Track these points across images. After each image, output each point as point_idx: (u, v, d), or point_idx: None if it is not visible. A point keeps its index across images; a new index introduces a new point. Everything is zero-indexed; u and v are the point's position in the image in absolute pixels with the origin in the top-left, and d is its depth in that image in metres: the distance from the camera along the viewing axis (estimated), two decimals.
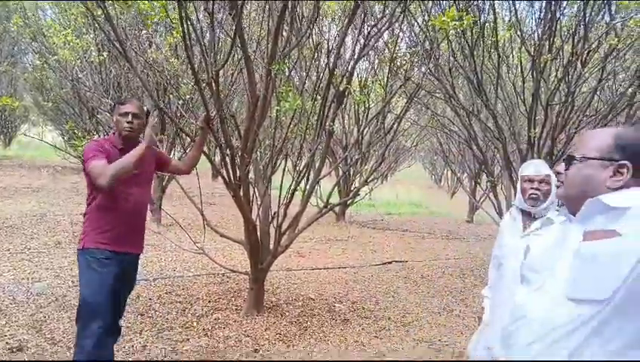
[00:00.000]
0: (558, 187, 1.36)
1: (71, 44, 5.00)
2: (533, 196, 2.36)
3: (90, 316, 2.36)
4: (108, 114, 8.53)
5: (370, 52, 5.92)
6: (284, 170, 4.22)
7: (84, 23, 5.57)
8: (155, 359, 3.18)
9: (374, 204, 10.70)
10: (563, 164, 1.33)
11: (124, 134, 2.51)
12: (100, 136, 8.27)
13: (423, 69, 5.06)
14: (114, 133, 2.59)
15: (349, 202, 9.71)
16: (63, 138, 16.39)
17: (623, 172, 1.23)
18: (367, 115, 5.14)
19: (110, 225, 2.44)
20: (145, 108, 2.61)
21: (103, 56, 5.23)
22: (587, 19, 4.58)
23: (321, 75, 4.47)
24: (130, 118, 2.50)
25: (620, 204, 1.18)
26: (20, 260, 5.26)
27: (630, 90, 4.83)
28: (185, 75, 5.38)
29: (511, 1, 5.00)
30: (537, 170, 2.41)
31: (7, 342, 3.20)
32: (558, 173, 1.35)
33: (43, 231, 6.73)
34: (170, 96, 5.94)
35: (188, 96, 5.16)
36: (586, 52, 4.69)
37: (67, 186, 11.87)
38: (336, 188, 5.29)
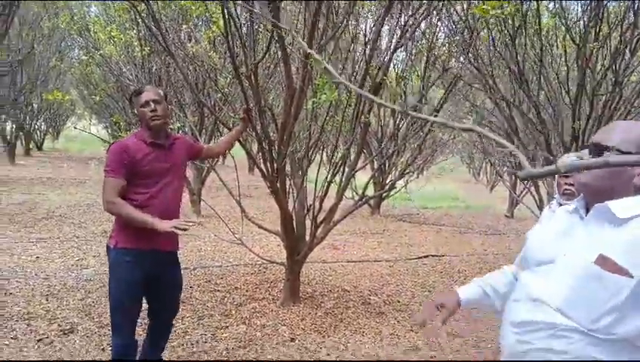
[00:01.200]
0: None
1: (115, 39, 5.19)
2: (567, 192, 2.28)
3: (118, 314, 2.39)
4: None
5: (407, 42, 5.86)
6: (319, 162, 4.26)
7: (127, 18, 5.76)
8: (196, 344, 3.29)
9: (410, 198, 10.58)
10: (587, 150, 1.30)
11: (153, 124, 2.38)
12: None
13: (462, 59, 4.96)
14: (142, 127, 2.47)
15: (384, 195, 9.65)
16: (107, 131, 17.05)
17: None
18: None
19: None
20: (161, 92, 2.50)
21: (145, 50, 5.40)
22: (637, 4, 4.36)
23: (357, 66, 4.46)
24: (152, 105, 2.37)
25: (626, 215, 1.18)
26: (69, 247, 5.53)
27: None
28: (223, 68, 5.48)
29: None
30: None
31: (59, 324, 3.38)
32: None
33: (90, 221, 7.05)
34: (209, 89, 6.07)
35: (226, 89, 5.26)
36: (635, 39, 4.47)
37: None
38: (371, 180, 5.28)
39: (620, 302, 1.13)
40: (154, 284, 2.47)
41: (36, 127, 18.98)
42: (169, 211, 2.40)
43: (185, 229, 2.20)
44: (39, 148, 20.06)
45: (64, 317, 3.53)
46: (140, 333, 2.79)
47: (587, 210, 1.28)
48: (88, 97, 14.84)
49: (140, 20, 4.81)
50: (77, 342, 3.18)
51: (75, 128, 11.53)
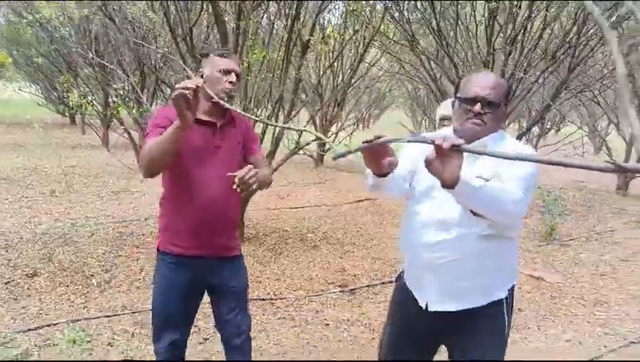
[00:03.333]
0: (478, 125, 1.60)
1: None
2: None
3: (161, 327, 2.02)
4: (89, 69, 8.73)
5: (338, 2, 6.25)
6: (256, 117, 4.68)
7: None
8: (151, 285, 3.76)
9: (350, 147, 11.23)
10: (479, 104, 1.58)
11: (222, 97, 1.87)
12: (80, 89, 8.51)
13: (383, 12, 5.45)
14: None
15: (326, 148, 10.20)
16: (43, 94, 16.42)
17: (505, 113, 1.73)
18: (341, 64, 5.54)
19: (182, 223, 1.93)
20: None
21: (83, 12, 5.49)
22: None
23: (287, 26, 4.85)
24: (233, 77, 1.91)
25: (495, 149, 1.53)
26: (20, 207, 5.73)
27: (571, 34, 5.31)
28: (162, 28, 5.68)
29: None
30: (448, 109, 2.31)
31: (22, 270, 3.74)
32: (479, 114, 1.59)
33: (36, 182, 7.16)
34: (150, 49, 6.25)
35: (166, 49, 5.50)
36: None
37: (53, 141, 12.10)
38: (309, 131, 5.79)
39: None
40: (196, 296, 2.07)
41: None
42: (214, 209, 1.93)
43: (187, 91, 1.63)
44: None
45: (26, 264, 3.89)
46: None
47: None
48: (19, 58, 14.21)
49: None
50: (42, 282, 3.57)
51: (15, 92, 11.14)
